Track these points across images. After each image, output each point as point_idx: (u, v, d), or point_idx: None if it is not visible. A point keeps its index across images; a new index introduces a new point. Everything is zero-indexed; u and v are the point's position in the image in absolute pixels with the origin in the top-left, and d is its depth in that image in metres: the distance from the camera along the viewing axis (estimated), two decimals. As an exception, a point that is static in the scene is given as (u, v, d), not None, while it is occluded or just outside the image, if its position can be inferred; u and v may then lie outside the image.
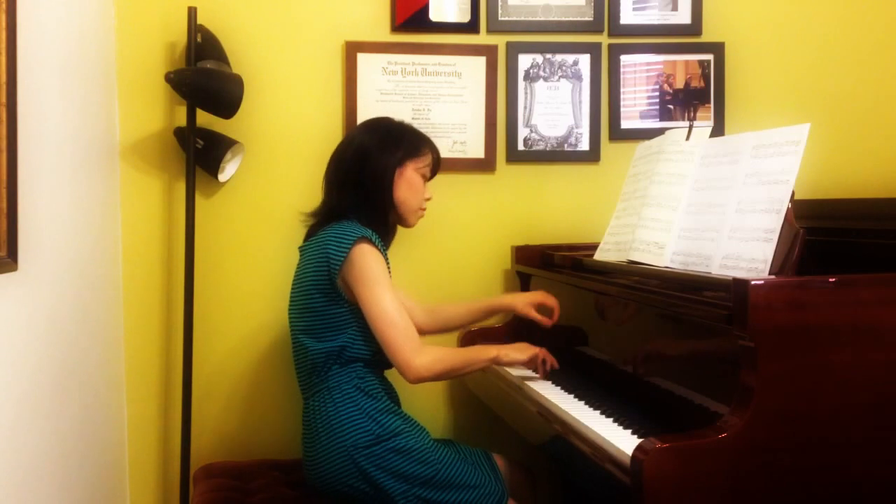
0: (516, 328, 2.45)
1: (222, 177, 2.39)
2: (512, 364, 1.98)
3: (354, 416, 1.83)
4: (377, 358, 1.91)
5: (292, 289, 1.97)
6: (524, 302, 2.16)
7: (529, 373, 2.07)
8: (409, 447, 1.83)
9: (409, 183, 1.95)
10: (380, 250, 1.85)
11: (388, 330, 1.79)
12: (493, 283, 2.58)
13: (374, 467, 1.80)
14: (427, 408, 2.51)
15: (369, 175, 1.91)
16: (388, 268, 1.89)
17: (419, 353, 1.78)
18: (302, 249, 1.98)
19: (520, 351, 1.95)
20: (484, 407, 2.42)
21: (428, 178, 2.02)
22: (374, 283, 1.80)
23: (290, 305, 1.97)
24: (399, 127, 2.01)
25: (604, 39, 2.59)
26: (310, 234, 1.97)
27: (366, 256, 1.81)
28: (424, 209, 2.02)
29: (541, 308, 2.14)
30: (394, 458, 1.81)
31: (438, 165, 2.04)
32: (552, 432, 1.73)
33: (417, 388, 2.03)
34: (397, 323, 1.79)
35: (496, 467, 1.96)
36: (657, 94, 2.61)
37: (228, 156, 2.37)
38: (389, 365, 1.94)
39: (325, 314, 1.87)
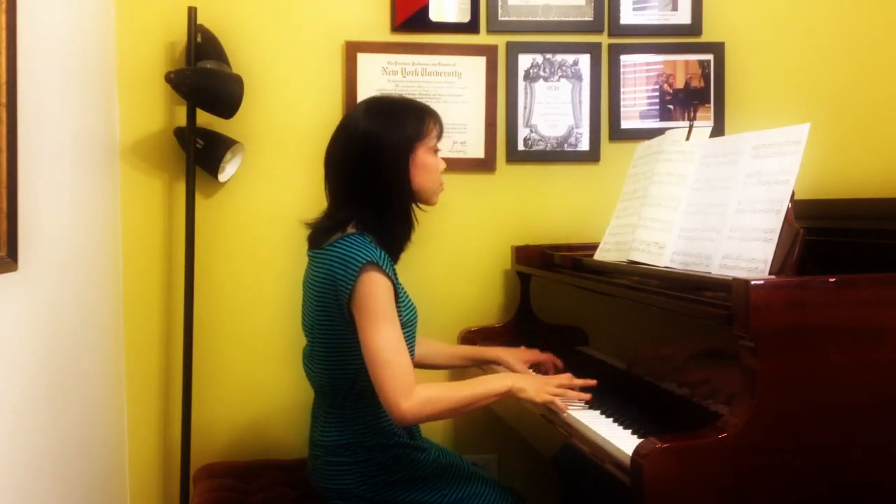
0: (516, 327, 2.46)
1: (222, 177, 2.39)
2: (528, 401, 1.74)
3: (364, 453, 1.78)
4: None
5: (303, 297, 1.87)
6: (516, 358, 2.04)
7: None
8: (416, 477, 1.80)
9: (423, 166, 1.81)
10: (388, 274, 1.70)
11: (377, 368, 1.64)
12: (493, 283, 2.58)
13: (379, 496, 1.77)
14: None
15: (384, 173, 1.76)
16: (396, 281, 1.75)
17: (407, 396, 1.62)
18: (311, 256, 1.84)
19: (538, 390, 1.72)
20: (485, 408, 2.41)
21: (438, 150, 1.87)
22: (373, 315, 1.66)
23: (303, 316, 1.87)
24: (396, 107, 1.84)
25: (604, 39, 2.59)
26: (316, 240, 1.81)
27: (371, 286, 1.67)
28: (443, 183, 1.89)
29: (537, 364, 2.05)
30: (400, 489, 1.78)
31: (442, 129, 1.89)
32: (552, 432, 1.73)
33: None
34: (388, 361, 1.63)
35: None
36: (657, 94, 2.61)
37: (228, 156, 2.37)
38: None
39: (336, 339, 1.76)
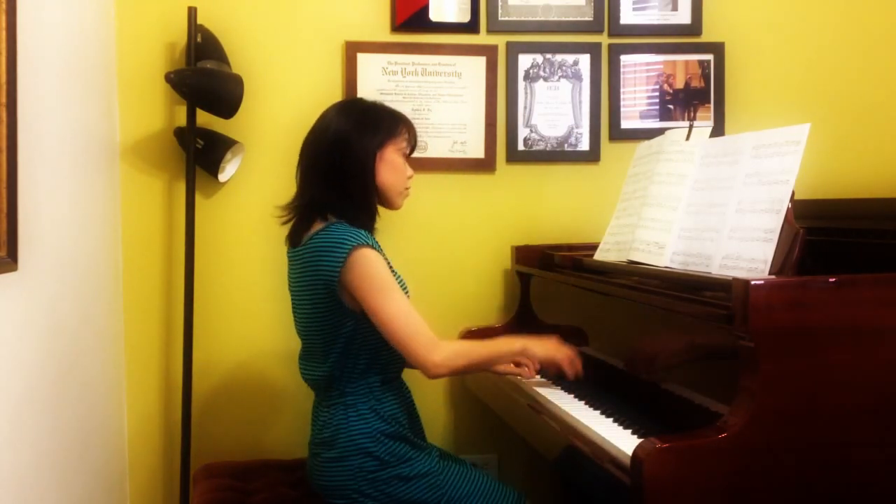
0: (516, 328, 2.45)
1: (222, 177, 2.39)
2: (536, 359, 1.92)
3: (365, 440, 1.78)
4: (393, 364, 1.87)
5: (292, 299, 1.90)
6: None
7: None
8: (414, 474, 1.79)
9: (391, 165, 1.85)
10: (377, 249, 1.77)
11: (399, 332, 1.72)
12: (493, 283, 2.58)
13: (378, 492, 1.77)
14: (428, 409, 2.50)
15: (351, 162, 1.81)
16: (386, 259, 1.80)
17: (435, 350, 1.73)
18: (291, 256, 1.88)
19: (548, 349, 1.88)
20: (485, 408, 2.42)
21: (407, 156, 1.93)
22: (378, 288, 1.73)
23: (295, 316, 1.90)
24: (374, 108, 1.90)
25: (604, 39, 2.59)
26: (295, 238, 1.86)
27: (365, 263, 1.73)
28: (408, 188, 1.93)
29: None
30: (398, 485, 1.78)
31: (416, 141, 1.95)
32: (552, 432, 1.73)
33: (419, 391, 2.03)
34: (408, 323, 1.72)
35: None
36: (657, 94, 2.61)
37: (228, 156, 2.37)
38: (404, 366, 1.92)
39: (335, 330, 1.79)
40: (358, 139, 1.82)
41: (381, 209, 1.92)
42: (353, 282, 1.73)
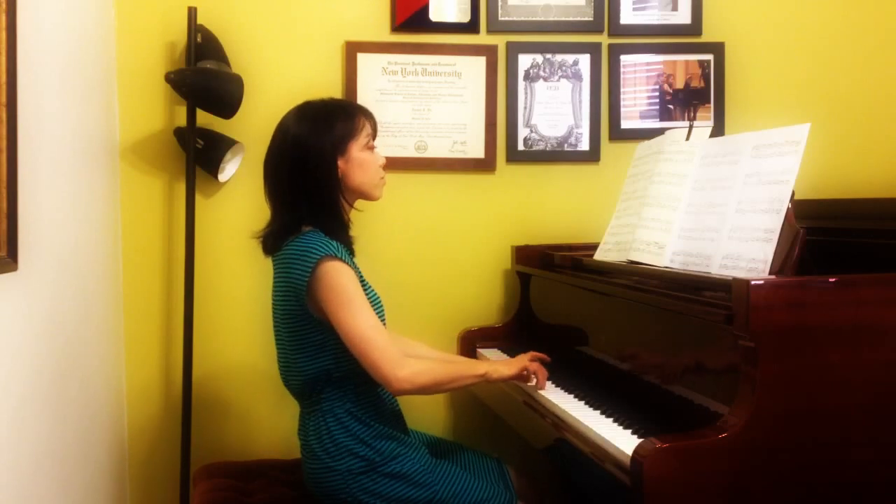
0: (516, 327, 2.46)
1: (222, 177, 2.39)
2: (501, 380, 1.90)
3: (347, 442, 1.79)
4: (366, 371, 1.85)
5: (272, 303, 1.89)
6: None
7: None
8: (404, 472, 1.79)
9: (358, 165, 1.83)
10: (347, 262, 1.75)
11: (364, 347, 1.70)
12: (493, 283, 2.58)
13: (368, 494, 1.77)
14: (429, 410, 2.51)
15: (314, 178, 1.80)
16: (357, 270, 1.80)
17: (400, 367, 1.70)
18: (273, 262, 1.87)
19: (508, 366, 1.88)
20: (485, 408, 2.42)
21: (374, 147, 1.89)
22: (345, 302, 1.71)
23: (273, 322, 1.89)
24: (325, 110, 1.86)
25: (604, 39, 2.59)
26: (273, 247, 1.84)
27: (333, 275, 1.71)
28: (384, 177, 1.91)
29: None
30: (388, 484, 1.78)
31: (376, 127, 1.92)
32: (552, 433, 1.73)
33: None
34: (373, 338, 1.70)
35: (506, 474, 1.94)
36: (657, 94, 2.61)
37: (228, 156, 2.37)
38: None
39: (304, 339, 1.79)
40: (316, 152, 1.80)
41: (363, 206, 1.92)
42: (321, 293, 1.72)
